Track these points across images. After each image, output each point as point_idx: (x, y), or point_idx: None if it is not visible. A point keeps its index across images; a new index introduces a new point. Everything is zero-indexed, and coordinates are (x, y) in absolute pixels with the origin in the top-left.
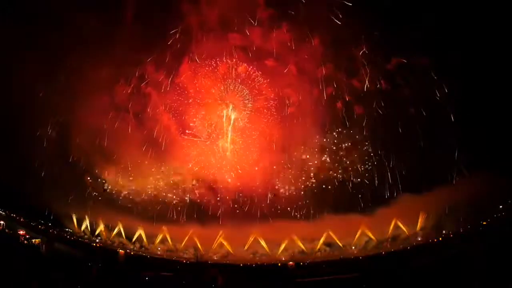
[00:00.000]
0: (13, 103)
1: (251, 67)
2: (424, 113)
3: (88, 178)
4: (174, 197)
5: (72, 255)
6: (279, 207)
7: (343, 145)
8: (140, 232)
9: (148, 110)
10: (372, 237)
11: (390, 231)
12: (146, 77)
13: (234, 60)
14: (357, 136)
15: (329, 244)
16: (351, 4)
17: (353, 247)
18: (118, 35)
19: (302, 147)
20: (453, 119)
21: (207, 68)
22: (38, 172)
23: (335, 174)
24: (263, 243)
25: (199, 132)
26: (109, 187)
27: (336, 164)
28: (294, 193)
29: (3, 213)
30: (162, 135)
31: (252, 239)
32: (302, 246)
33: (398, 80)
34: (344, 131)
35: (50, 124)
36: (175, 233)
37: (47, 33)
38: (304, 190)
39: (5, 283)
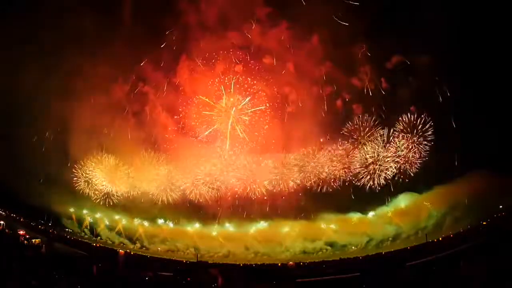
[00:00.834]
0: (12, 102)
1: (249, 65)
2: (424, 112)
3: (88, 178)
4: (174, 197)
5: (72, 255)
6: (279, 207)
7: (343, 144)
8: (140, 232)
9: (146, 109)
10: (372, 237)
11: (390, 231)
12: (144, 76)
13: (233, 58)
14: (357, 136)
15: (329, 244)
16: (351, 3)
17: (353, 247)
18: (116, 34)
19: (302, 147)
20: (453, 119)
21: (205, 67)
22: (38, 172)
23: (336, 174)
24: (263, 243)
25: (198, 132)
26: (109, 187)
27: (336, 164)
28: (294, 193)
29: (3, 213)
30: (162, 135)
31: (252, 239)
32: (303, 246)
33: (398, 79)
34: (344, 131)
35: (49, 124)
36: (175, 233)
37: (42, 33)
38: (304, 190)
39: (5, 283)
